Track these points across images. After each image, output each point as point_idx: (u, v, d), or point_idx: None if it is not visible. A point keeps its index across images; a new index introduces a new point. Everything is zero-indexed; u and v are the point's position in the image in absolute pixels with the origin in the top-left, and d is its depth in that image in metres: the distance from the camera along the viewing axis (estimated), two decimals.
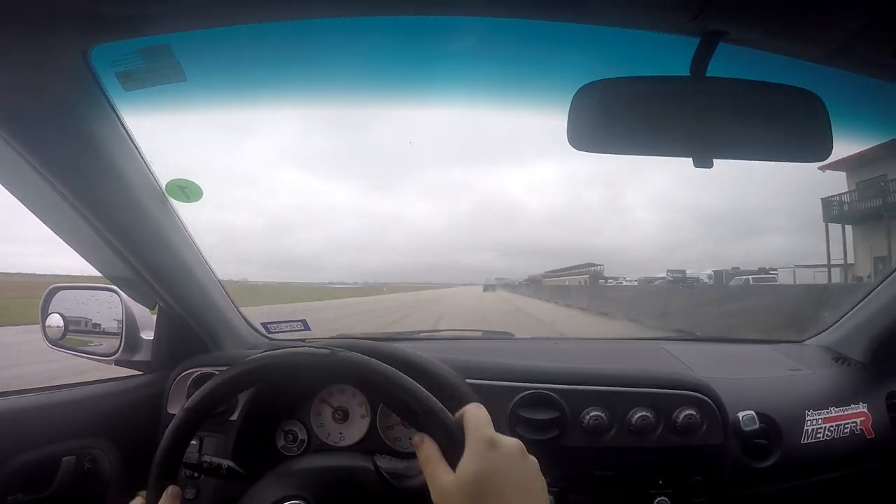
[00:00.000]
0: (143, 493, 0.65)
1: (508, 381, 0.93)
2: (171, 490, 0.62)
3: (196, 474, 0.89)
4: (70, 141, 0.75)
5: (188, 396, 0.99)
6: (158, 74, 0.74)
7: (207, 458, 0.74)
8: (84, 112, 0.75)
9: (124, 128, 0.81)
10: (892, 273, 1.21)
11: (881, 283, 1.24)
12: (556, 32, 0.67)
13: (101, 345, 1.20)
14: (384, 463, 0.67)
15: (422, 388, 0.60)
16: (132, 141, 0.83)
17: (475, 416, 0.57)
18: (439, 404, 0.59)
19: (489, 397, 0.90)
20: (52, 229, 0.94)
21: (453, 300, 20.62)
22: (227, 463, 0.74)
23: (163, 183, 0.91)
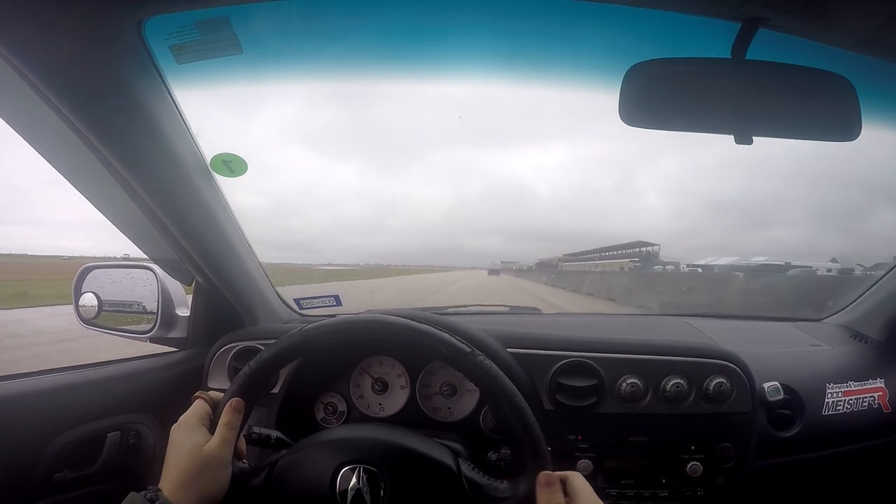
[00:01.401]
0: (202, 392, 0.70)
1: (548, 350, 0.95)
2: (234, 402, 0.66)
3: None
4: (118, 110, 0.76)
5: (230, 370, 1.02)
6: (214, 47, 0.74)
7: (256, 430, 0.75)
8: (134, 85, 0.75)
9: (174, 101, 0.82)
10: None
11: None
12: (602, 13, 0.69)
13: (136, 323, 1.22)
14: (467, 470, 0.66)
15: (538, 428, 0.64)
16: (181, 115, 0.84)
17: (583, 488, 0.61)
18: (546, 450, 0.63)
19: (529, 366, 0.94)
20: (94, 205, 0.96)
21: (449, 290, 17.51)
22: (275, 434, 0.75)
23: (208, 156, 0.92)
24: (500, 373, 0.66)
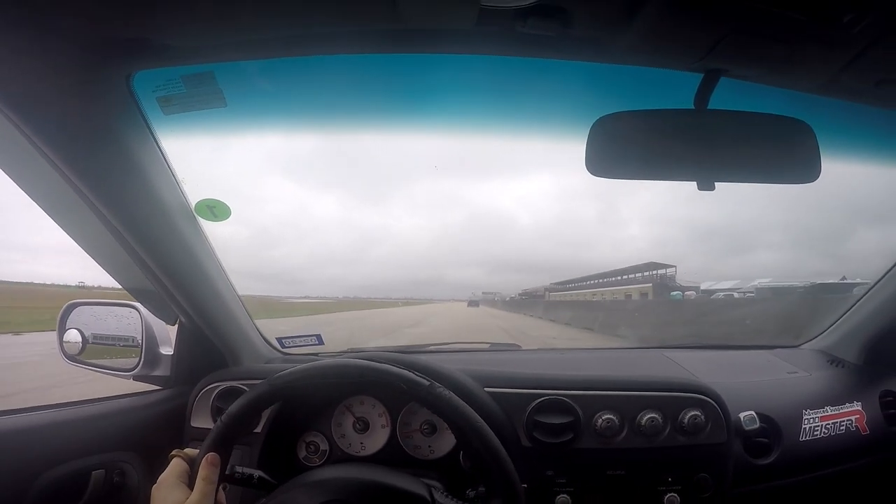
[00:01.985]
0: (178, 451, 0.71)
1: (524, 389, 0.97)
2: (210, 458, 0.67)
3: (225, 485, 0.92)
4: (106, 158, 0.79)
5: (213, 409, 1.03)
6: (199, 100, 0.78)
7: (239, 469, 0.76)
8: (122, 133, 0.78)
9: (160, 149, 0.85)
10: (880, 279, 1.29)
11: (871, 289, 1.32)
12: (571, 69, 0.73)
13: (119, 360, 1.22)
14: (440, 498, 0.68)
15: (503, 451, 0.66)
16: (167, 162, 0.87)
17: None
18: (513, 472, 0.66)
19: (506, 404, 0.96)
20: (80, 244, 0.97)
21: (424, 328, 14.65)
22: (258, 473, 0.76)
23: (192, 201, 0.94)
24: (461, 402, 0.68)
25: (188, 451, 0.71)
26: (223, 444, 0.69)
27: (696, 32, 0.62)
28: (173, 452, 0.71)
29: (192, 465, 0.68)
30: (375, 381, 0.70)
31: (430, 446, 1.00)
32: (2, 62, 0.61)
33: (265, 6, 0.60)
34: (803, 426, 1.13)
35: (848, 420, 1.18)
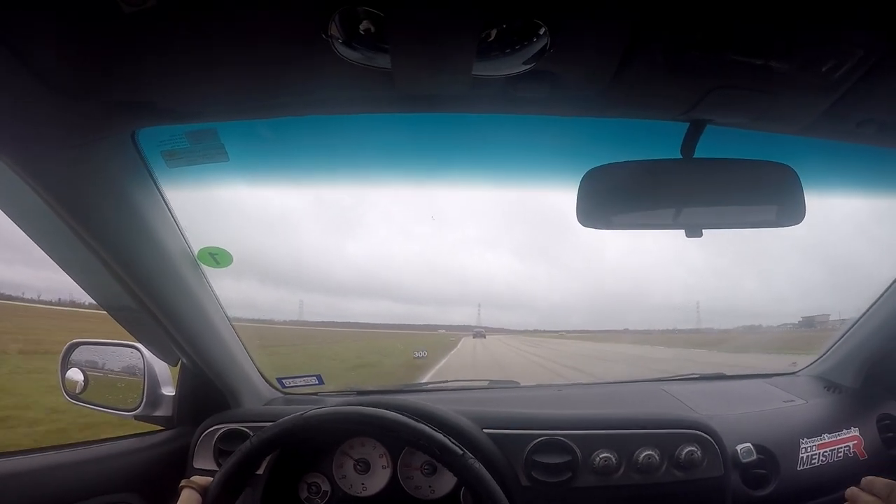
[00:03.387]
0: (188, 481, 0.71)
1: (523, 430, 0.98)
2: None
3: None
4: (112, 210, 0.81)
5: (216, 451, 1.03)
6: (202, 155, 0.81)
7: None
8: (127, 184, 0.81)
9: (164, 199, 0.88)
10: (875, 303, 1.30)
11: (866, 312, 1.33)
12: (561, 123, 0.76)
13: (121, 400, 1.23)
14: None
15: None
16: (170, 211, 0.90)
17: None
18: None
19: (505, 445, 0.97)
20: (85, 290, 0.99)
21: None
22: None
23: (195, 248, 0.97)
24: (490, 478, 0.70)
25: (198, 479, 0.71)
26: (236, 478, 0.71)
27: (681, 89, 0.64)
28: (183, 483, 0.71)
29: (205, 495, 0.69)
30: (409, 439, 0.72)
31: (430, 486, 1.01)
32: (11, 122, 0.64)
33: (267, 78, 0.62)
34: (801, 455, 1.13)
35: (846, 446, 1.18)
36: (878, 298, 1.29)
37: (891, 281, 1.25)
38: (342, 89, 0.65)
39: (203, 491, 0.70)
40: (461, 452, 0.70)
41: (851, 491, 0.63)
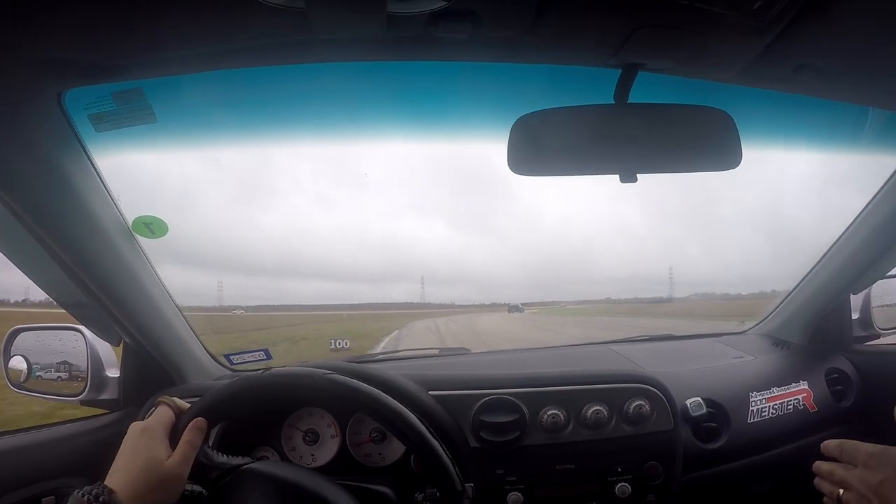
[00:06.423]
0: (167, 398, 0.69)
1: (469, 390, 0.98)
2: (199, 422, 0.66)
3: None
4: (40, 178, 0.78)
5: None
6: (130, 117, 0.78)
7: (188, 487, 0.74)
8: (54, 151, 0.78)
9: (94, 166, 0.84)
10: (819, 261, 1.34)
11: (811, 270, 1.37)
12: (492, 70, 0.75)
13: (66, 385, 1.19)
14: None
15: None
16: (101, 180, 0.86)
17: None
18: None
19: (452, 406, 0.97)
20: (18, 265, 0.95)
21: None
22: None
23: (129, 218, 0.93)
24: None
25: (177, 401, 0.70)
26: (214, 413, 0.69)
27: (606, 28, 0.63)
28: (162, 398, 0.69)
29: (179, 418, 0.67)
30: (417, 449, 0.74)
31: (380, 453, 1.01)
32: None
33: (186, 26, 0.60)
34: (751, 408, 1.16)
35: (795, 399, 1.22)
36: (823, 257, 1.32)
37: (834, 240, 1.28)
38: (260, 36, 0.63)
39: (178, 413, 0.68)
40: (461, 489, 0.72)
41: (822, 465, 0.65)
